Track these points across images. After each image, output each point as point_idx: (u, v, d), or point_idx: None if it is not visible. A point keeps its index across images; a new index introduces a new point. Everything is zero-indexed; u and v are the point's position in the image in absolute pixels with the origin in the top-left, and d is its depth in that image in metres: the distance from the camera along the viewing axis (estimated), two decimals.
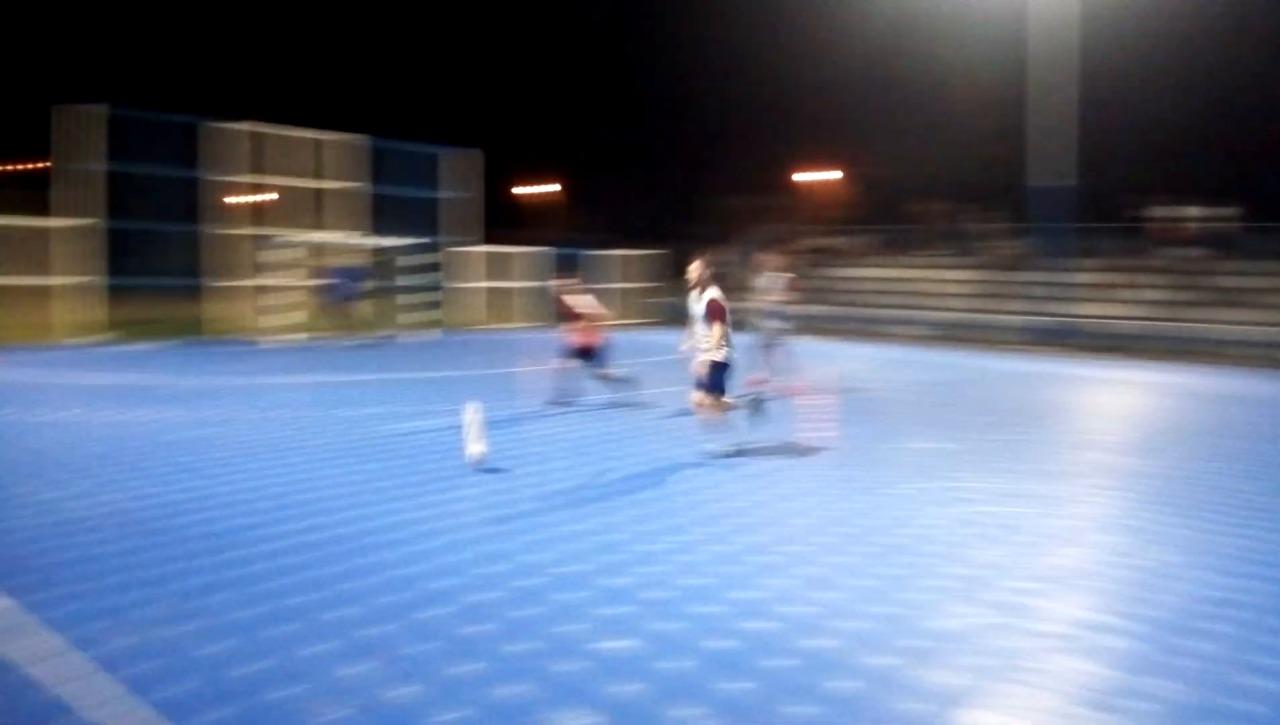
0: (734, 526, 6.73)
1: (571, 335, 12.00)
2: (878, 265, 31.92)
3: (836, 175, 44.05)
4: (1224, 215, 26.98)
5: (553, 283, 14.39)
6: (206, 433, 9.80)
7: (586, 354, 12.11)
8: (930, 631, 4.88)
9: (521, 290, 28.31)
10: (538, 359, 19.60)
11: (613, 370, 12.49)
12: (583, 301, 12.43)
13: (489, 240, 28.16)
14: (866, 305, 29.33)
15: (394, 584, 5.36)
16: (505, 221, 40.74)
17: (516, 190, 53.78)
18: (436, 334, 22.18)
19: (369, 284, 21.36)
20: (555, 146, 51.23)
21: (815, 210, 39.91)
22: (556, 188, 54.41)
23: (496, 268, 27.65)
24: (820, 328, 28.40)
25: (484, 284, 27.23)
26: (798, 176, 44.47)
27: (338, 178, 23.64)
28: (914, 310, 28.24)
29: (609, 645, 4.57)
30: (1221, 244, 26.08)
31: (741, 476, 8.37)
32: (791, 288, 14.94)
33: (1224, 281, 24.64)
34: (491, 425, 10.61)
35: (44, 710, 3.79)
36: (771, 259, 15.04)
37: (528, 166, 51.67)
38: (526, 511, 6.99)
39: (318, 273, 21.39)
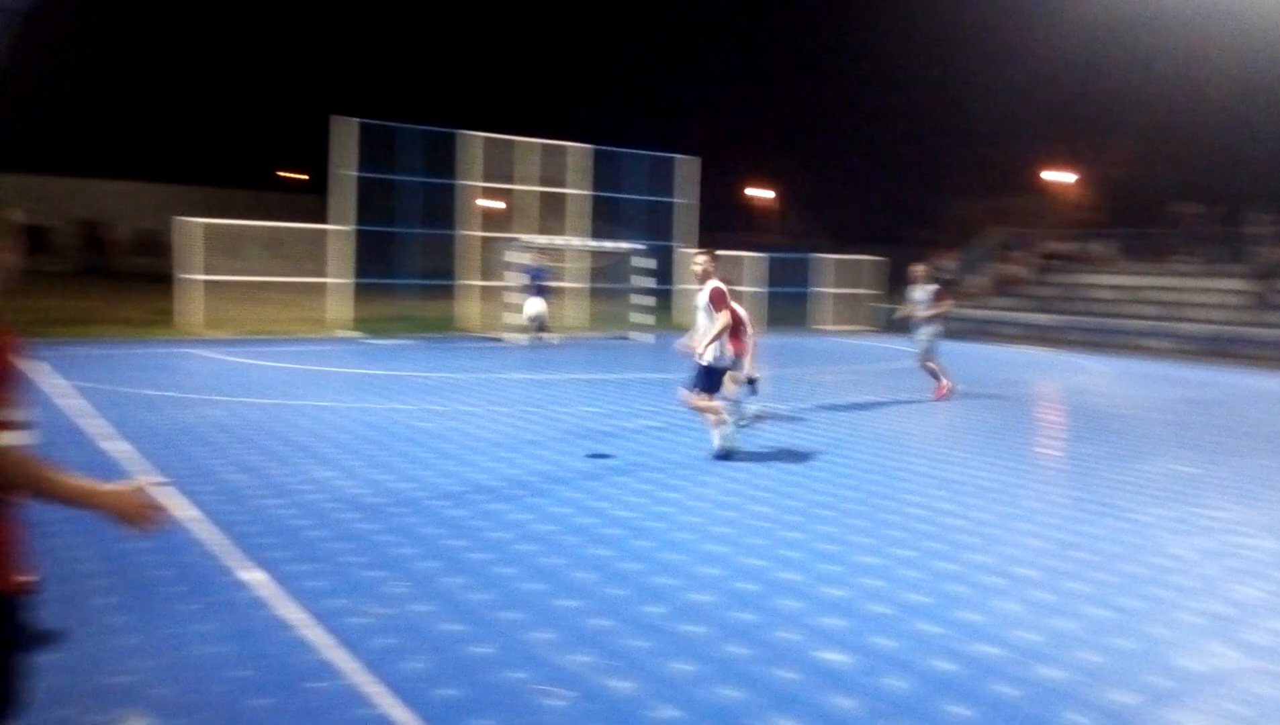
0: (957, 544, 6.49)
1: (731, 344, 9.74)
2: (1123, 272, 29.74)
3: (1075, 177, 41.40)
4: None
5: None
6: (446, 424, 10.45)
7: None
8: (1175, 670, 4.52)
9: (745, 295, 28.34)
10: (762, 364, 19.60)
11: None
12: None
13: (715, 244, 28.40)
14: (1110, 315, 27.36)
15: (616, 578, 5.53)
16: (737, 225, 41.12)
17: (746, 194, 53.96)
18: (650, 338, 22.61)
19: (552, 284, 21.93)
20: (783, 150, 51.09)
21: (1055, 213, 37.73)
22: (777, 193, 54.21)
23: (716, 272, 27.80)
24: (1056, 338, 26.79)
25: (698, 287, 27.46)
26: (1043, 176, 42.07)
27: (567, 184, 24.60)
28: (1164, 321, 26.06)
29: (824, 656, 4.52)
30: None
31: (966, 493, 8.05)
32: (940, 299, 14.50)
33: None
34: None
35: (307, 672, 4.18)
36: (922, 270, 14.66)
37: (758, 170, 51.79)
38: (749, 516, 7.01)
39: (520, 271, 22.23)
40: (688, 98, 52.05)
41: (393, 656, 4.35)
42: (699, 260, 9.49)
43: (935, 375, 14.33)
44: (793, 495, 7.72)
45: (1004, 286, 31.41)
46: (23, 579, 2.54)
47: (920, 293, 14.42)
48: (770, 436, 10.43)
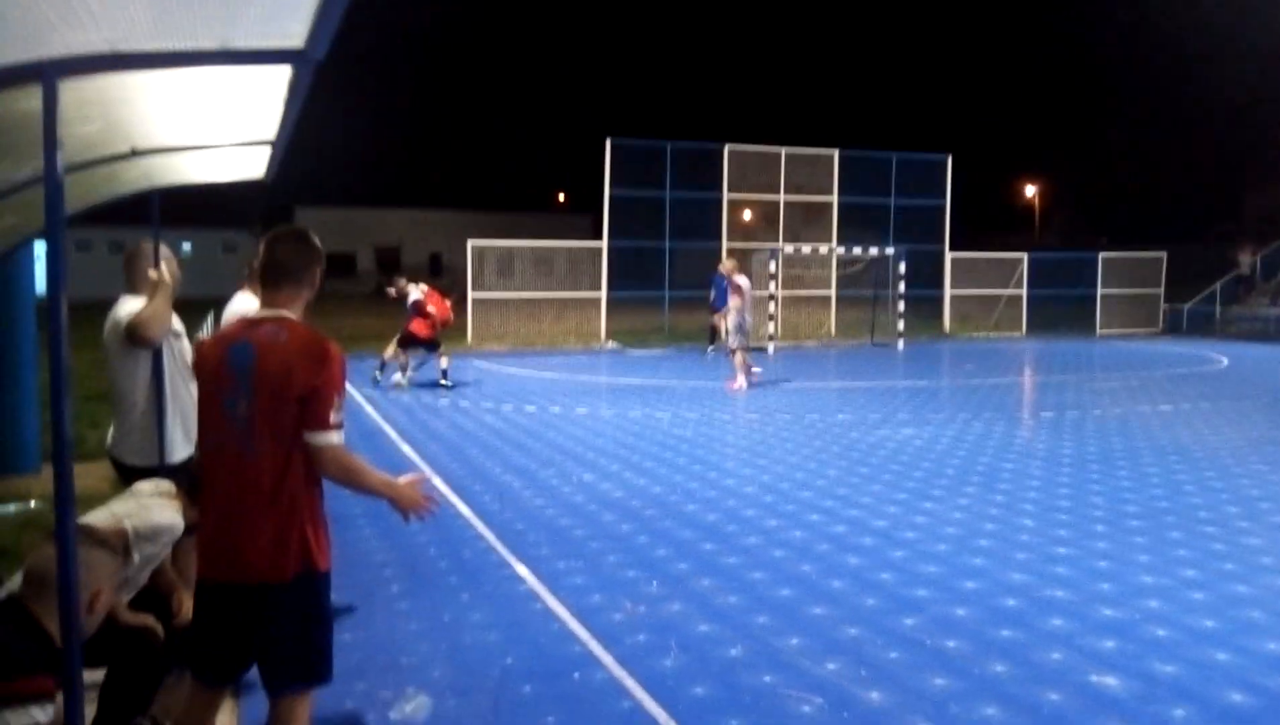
0: (1255, 567, 5.86)
1: None
2: None
3: None
4: None
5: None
6: (701, 431, 10.67)
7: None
8: None
9: (1001, 298, 26.90)
10: (1016, 369, 18.55)
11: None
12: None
13: (976, 246, 27.25)
14: None
15: (868, 587, 5.44)
16: (999, 225, 39.14)
17: (1008, 191, 51.29)
18: (899, 343, 21.93)
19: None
20: (1053, 144, 48.05)
21: None
22: (1042, 191, 50.98)
23: (969, 274, 26.54)
24: None
25: (954, 291, 26.27)
26: None
27: (815, 190, 24.40)
28: None
29: (1096, 680, 4.24)
30: None
31: (1263, 511, 7.24)
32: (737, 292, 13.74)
33: None
34: (968, 435, 10.29)
35: (570, 663, 4.43)
36: (731, 264, 14.40)
37: (1022, 169, 49.05)
38: (1013, 529, 6.69)
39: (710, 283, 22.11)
40: (952, 93, 49.88)
41: (647, 653, 4.52)
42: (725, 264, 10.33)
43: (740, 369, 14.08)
44: (1062, 508, 7.26)
45: None
46: (329, 562, 2.90)
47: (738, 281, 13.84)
48: (1044, 445, 9.84)
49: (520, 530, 6.63)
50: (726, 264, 14.49)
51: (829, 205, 24.46)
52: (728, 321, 14.26)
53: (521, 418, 11.57)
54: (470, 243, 21.78)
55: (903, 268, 22.71)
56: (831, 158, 24.45)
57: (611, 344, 21.75)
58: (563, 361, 18.58)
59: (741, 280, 13.85)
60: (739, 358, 14.07)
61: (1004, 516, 7.02)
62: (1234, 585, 5.50)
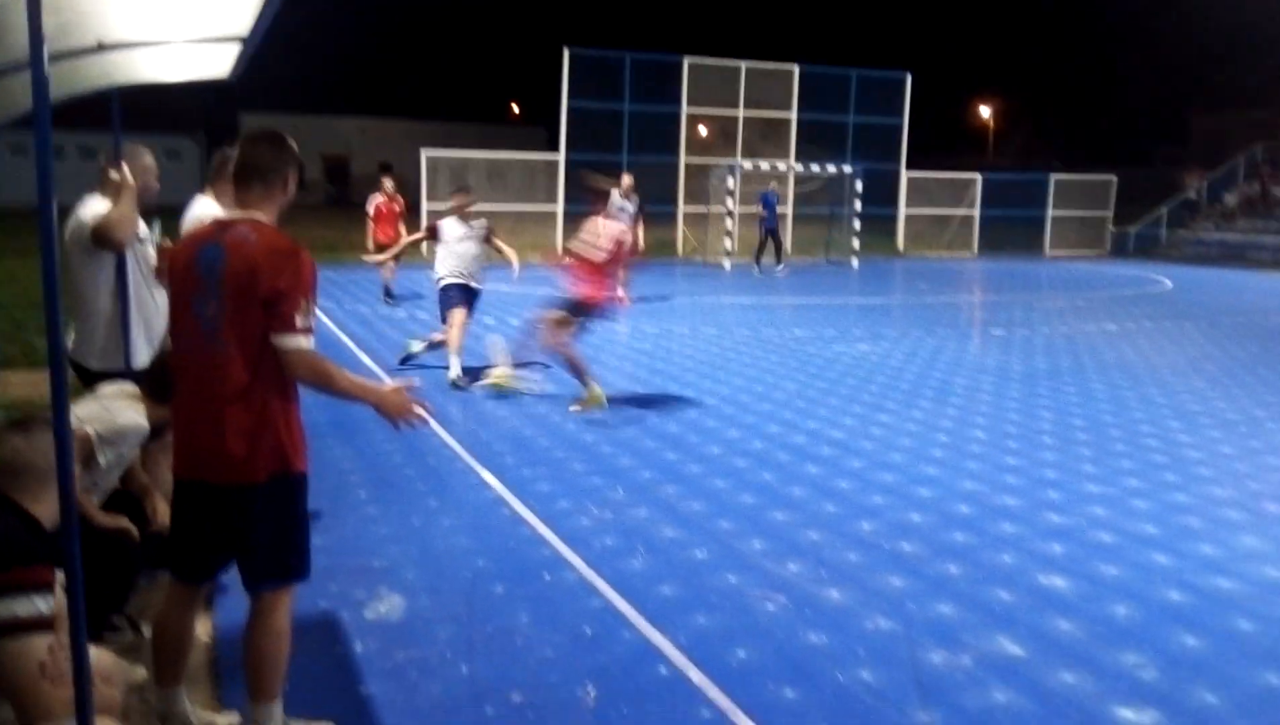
0: (1193, 476, 6.14)
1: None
2: None
3: None
4: None
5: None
6: (662, 345, 10.75)
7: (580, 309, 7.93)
8: None
9: (961, 217, 27.14)
10: (968, 288, 18.84)
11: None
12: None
13: (927, 165, 27.30)
14: None
15: (826, 495, 5.61)
16: (952, 146, 39.25)
17: (962, 112, 51.27)
18: (854, 262, 22.10)
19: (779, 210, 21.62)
20: (1006, 67, 47.94)
21: None
22: (995, 112, 51.04)
23: (927, 194, 26.71)
24: None
25: (909, 211, 26.45)
26: None
27: (775, 106, 24.18)
28: None
29: (1047, 581, 4.45)
30: None
31: (1204, 425, 7.54)
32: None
33: None
34: (920, 351, 10.50)
35: (539, 564, 4.53)
36: (628, 183, 13.71)
37: (976, 89, 48.96)
38: (966, 440, 6.89)
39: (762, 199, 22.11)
40: (907, 12, 49.33)
41: (615, 556, 4.64)
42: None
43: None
44: (1012, 421, 7.50)
45: (1259, 207, 28.49)
46: (305, 463, 2.93)
47: (620, 203, 13.00)
48: (995, 361, 10.09)
49: (485, 440, 6.69)
50: (624, 183, 13.77)
51: (787, 122, 24.28)
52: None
53: (480, 330, 11.54)
54: (423, 152, 21.35)
55: (859, 186, 22.76)
56: (791, 73, 24.19)
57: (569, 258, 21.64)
58: (525, 276, 18.43)
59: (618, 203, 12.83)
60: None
61: (956, 428, 7.23)
62: (1174, 494, 5.76)
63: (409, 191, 16.60)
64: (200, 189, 5.02)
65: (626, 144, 22.63)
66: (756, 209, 20.32)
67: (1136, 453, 6.68)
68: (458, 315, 8.51)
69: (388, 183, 14.09)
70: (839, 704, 3.37)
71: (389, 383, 3.15)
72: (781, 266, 20.16)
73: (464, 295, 8.64)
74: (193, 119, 42.57)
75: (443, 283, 8.66)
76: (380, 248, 13.03)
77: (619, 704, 3.33)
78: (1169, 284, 19.96)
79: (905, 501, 5.52)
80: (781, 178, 23.25)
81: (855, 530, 5.06)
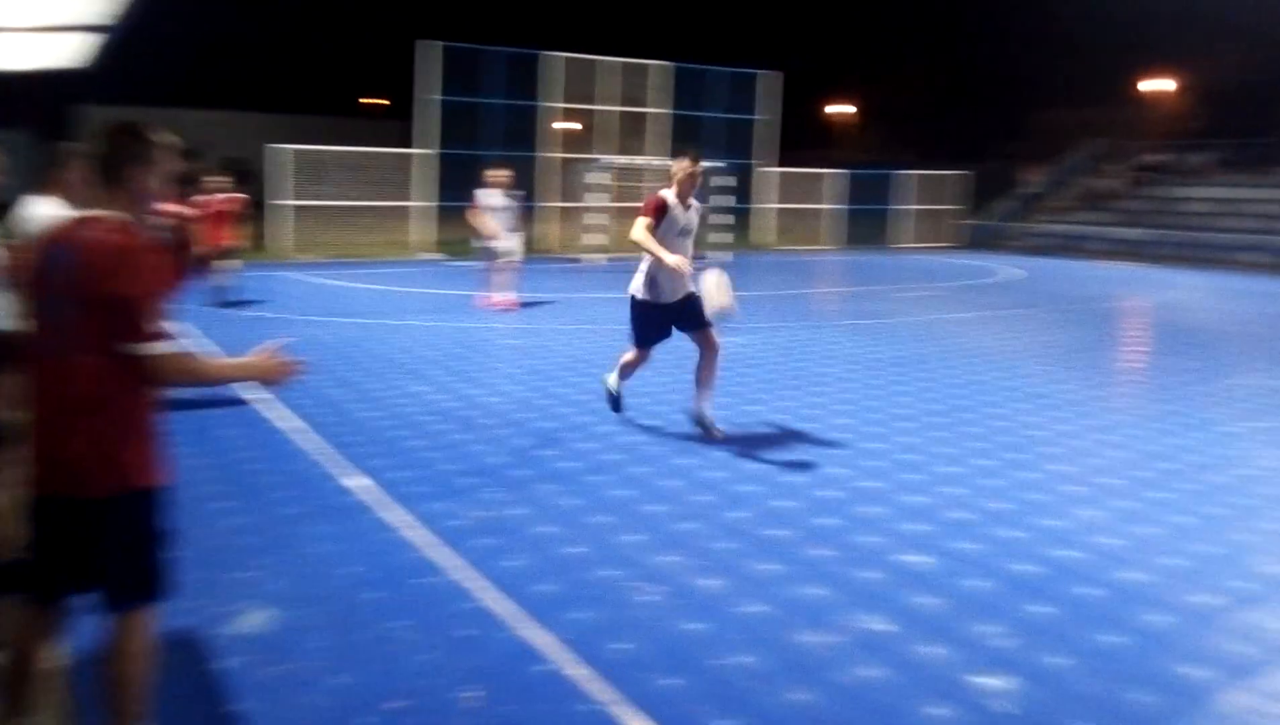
0: (1040, 454, 6.52)
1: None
2: (1220, 184, 28.48)
3: (1174, 85, 39.38)
4: None
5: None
6: (530, 342, 10.70)
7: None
8: (1261, 575, 4.55)
9: (823, 212, 27.98)
10: (837, 281, 19.46)
11: None
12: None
13: (792, 162, 28.00)
14: (1203, 229, 26.33)
15: (700, 486, 5.71)
16: (811, 143, 40.34)
17: (824, 110, 52.68)
18: (728, 256, 22.48)
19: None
20: (860, 64, 49.51)
21: (1151, 123, 36.12)
22: (855, 108, 52.77)
23: (793, 189, 27.48)
24: (1147, 253, 25.94)
25: (778, 206, 27.16)
26: (1138, 86, 40.10)
27: (646, 102, 24.37)
28: (1263, 235, 25.02)
29: (909, 559, 4.65)
30: None
31: (1050, 406, 8.02)
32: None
33: None
34: (793, 343, 10.80)
35: (412, 568, 4.46)
36: (505, 176, 13.07)
37: (833, 85, 50.35)
38: (830, 428, 7.12)
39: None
40: (769, 11, 50.14)
41: (492, 555, 4.61)
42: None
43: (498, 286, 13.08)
44: (875, 408, 7.79)
45: (1094, 200, 30.39)
46: (166, 477, 2.81)
47: (494, 199, 12.84)
48: (850, 351, 10.45)
49: (352, 442, 6.53)
50: (501, 178, 12.88)
51: (655, 117, 24.51)
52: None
53: (347, 330, 11.25)
54: (267, 147, 20.63)
55: (731, 181, 23.20)
56: (658, 69, 24.42)
57: (432, 255, 21.27)
58: (386, 273, 18.08)
59: (485, 195, 12.76)
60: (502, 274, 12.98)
61: (822, 416, 7.47)
62: (1022, 472, 6.11)
63: (251, 187, 16.00)
64: (35, 186, 4.73)
65: (489, 138, 22.36)
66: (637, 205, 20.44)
67: (988, 434, 7.05)
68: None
69: (211, 180, 12.98)
70: (717, 688, 3.45)
71: (258, 348, 3.03)
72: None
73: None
74: (23, 112, 39.93)
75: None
76: (214, 252, 12.03)
77: (499, 704, 3.32)
78: (1018, 273, 21.08)
79: (774, 489, 5.68)
80: (656, 174, 23.45)
81: (728, 519, 5.17)
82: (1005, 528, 5.11)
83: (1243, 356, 11.00)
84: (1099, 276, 21.13)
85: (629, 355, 7.09)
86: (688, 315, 6.79)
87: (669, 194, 6.68)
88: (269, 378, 2.96)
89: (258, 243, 21.04)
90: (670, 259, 6.41)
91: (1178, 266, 23.77)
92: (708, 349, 6.79)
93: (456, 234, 22.58)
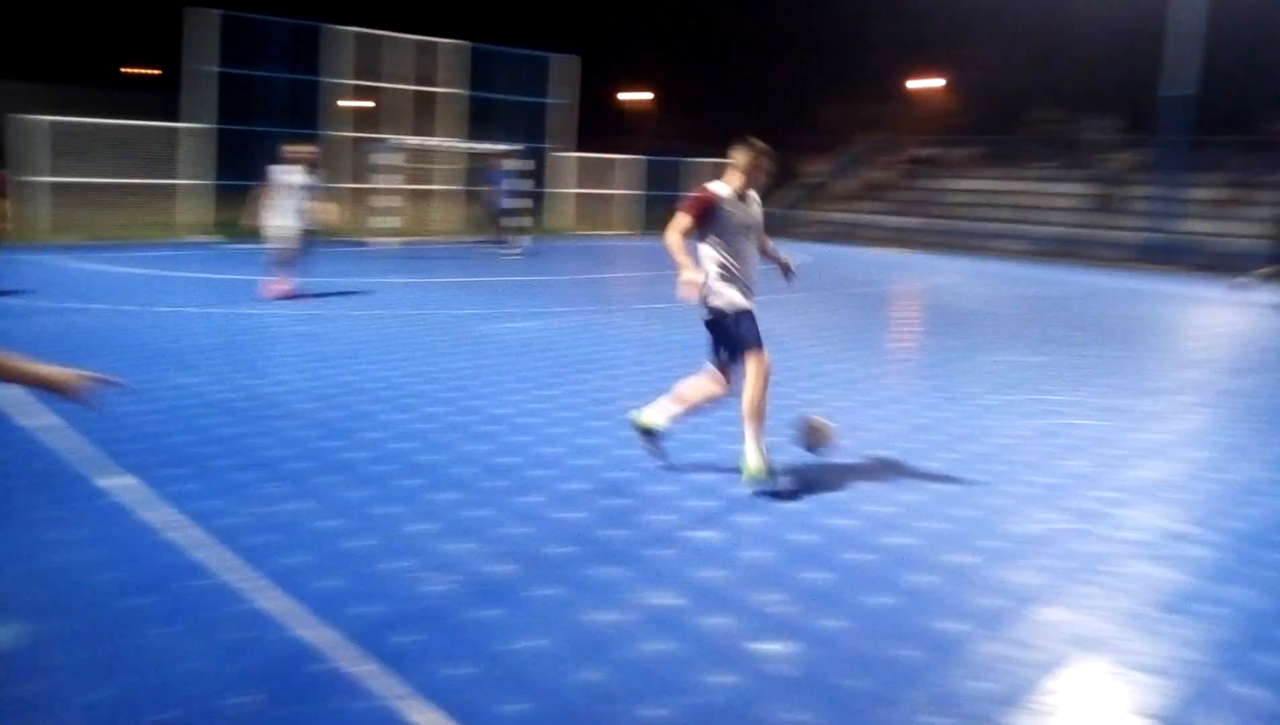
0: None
1: None
2: (979, 176, 30.91)
3: (941, 83, 42.40)
4: None
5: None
6: (313, 329, 10.26)
7: None
8: (1011, 534, 4.97)
9: (620, 197, 28.32)
10: (633, 265, 19.76)
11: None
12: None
13: (589, 147, 28.16)
14: (966, 218, 28.53)
15: (493, 472, 5.65)
16: (608, 128, 40.66)
17: (620, 96, 53.20)
18: (526, 240, 22.41)
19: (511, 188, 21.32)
20: (655, 52, 50.32)
21: (921, 119, 38.65)
22: (652, 96, 53.68)
23: (590, 174, 27.68)
24: (917, 240, 27.80)
25: (575, 191, 27.29)
26: (908, 84, 42.88)
27: (439, 82, 23.82)
28: (1019, 224, 27.38)
29: (697, 535, 4.78)
30: None
31: (829, 385, 8.45)
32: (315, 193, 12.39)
33: None
34: (587, 327, 10.88)
35: (181, 570, 4.18)
36: (308, 151, 12.47)
37: (630, 73, 50.95)
38: (619, 410, 7.20)
39: (484, 178, 21.59)
40: None
41: (270, 552, 4.38)
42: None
43: (282, 272, 12.24)
44: (666, 390, 7.94)
45: (871, 191, 32.27)
46: None
47: (293, 177, 12.06)
48: (644, 334, 10.64)
49: (112, 439, 6.03)
50: (303, 154, 12.13)
51: (449, 97, 24.02)
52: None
53: (112, 318, 10.41)
54: (15, 118, 18.81)
55: (530, 165, 23.04)
56: (452, 48, 23.93)
57: (207, 237, 20.01)
58: (154, 256, 16.85)
59: (283, 173, 11.96)
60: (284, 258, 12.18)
61: (616, 398, 7.56)
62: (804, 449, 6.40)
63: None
64: None
65: (270, 114, 21.17)
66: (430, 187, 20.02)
67: (771, 412, 7.28)
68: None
69: None
70: (509, 673, 3.42)
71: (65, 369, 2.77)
72: (508, 246, 19.90)
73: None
74: None
75: (742, 306, 5.77)
76: None
77: (277, 706, 3.16)
78: (803, 258, 22.05)
79: (567, 472, 5.70)
80: (452, 156, 23.01)
81: (523, 504, 5.14)
82: (787, 500, 5.34)
83: (998, 335, 12.00)
84: (876, 262, 22.49)
85: (710, 381, 5.87)
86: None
87: (721, 187, 5.75)
88: (70, 391, 2.69)
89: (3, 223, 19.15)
90: (687, 273, 5.48)
91: (944, 252, 25.64)
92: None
93: (234, 215, 21.40)
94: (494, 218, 20.29)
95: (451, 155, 24.38)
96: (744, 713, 3.25)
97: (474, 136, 23.91)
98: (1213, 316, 15.46)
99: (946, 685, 3.47)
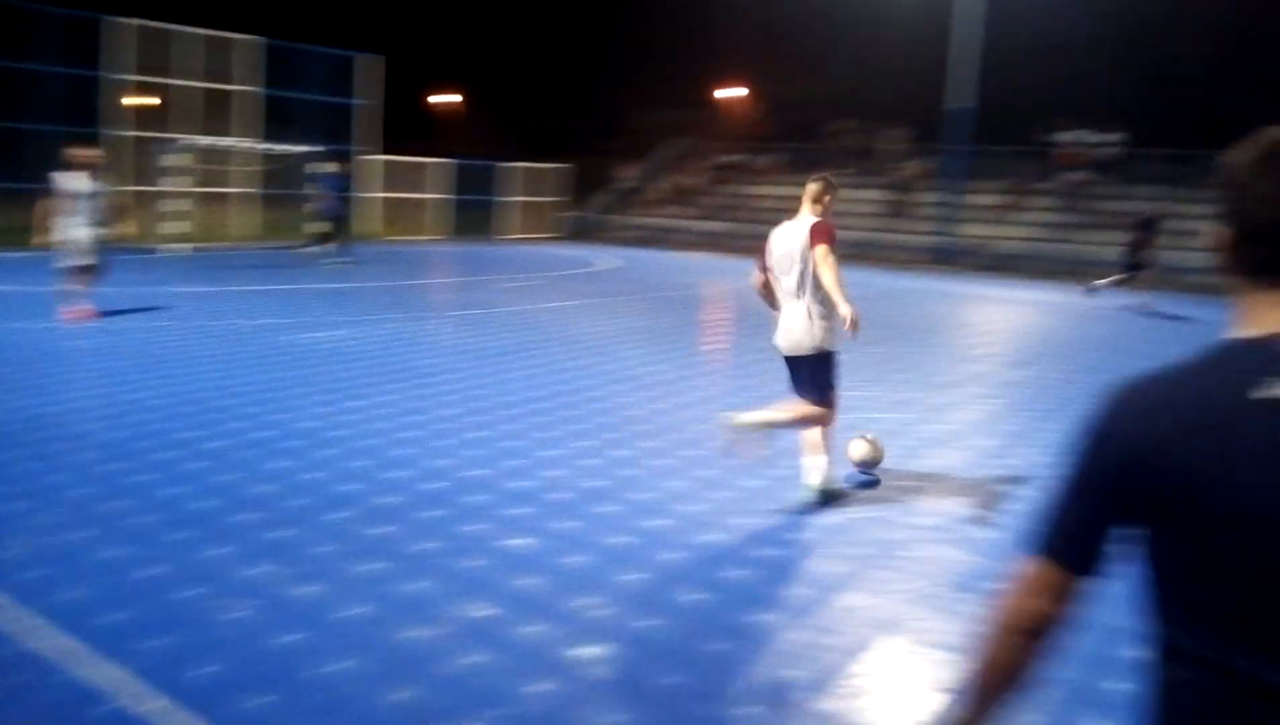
0: (635, 433, 6.94)
1: None
2: (783, 183, 32.18)
3: (745, 92, 43.94)
4: (1111, 140, 27.91)
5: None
6: (99, 343, 9.51)
7: None
8: (815, 525, 5.18)
9: (431, 202, 27.75)
10: (446, 271, 19.40)
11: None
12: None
13: (397, 150, 27.44)
14: (770, 222, 29.53)
15: (297, 489, 5.40)
16: (415, 132, 39.79)
17: (429, 99, 52.20)
18: (330, 247, 21.58)
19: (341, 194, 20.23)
20: (464, 55, 49.70)
21: (727, 127, 39.89)
22: (462, 99, 53.00)
23: (399, 178, 26.99)
24: (724, 245, 28.66)
25: (383, 195, 26.55)
26: (715, 93, 44.18)
27: (233, 80, 22.61)
28: None
29: (511, 543, 4.73)
30: (1108, 169, 27.07)
31: (643, 387, 8.57)
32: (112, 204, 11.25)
33: (1108, 205, 25.64)
34: (398, 335, 10.58)
35: None
36: (92, 155, 10.90)
37: (439, 75, 50.08)
38: (435, 419, 7.05)
39: (315, 183, 20.40)
40: None
41: (46, 588, 4.02)
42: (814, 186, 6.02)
43: (79, 292, 10.68)
44: (479, 397, 7.85)
45: (680, 196, 33.03)
46: None
47: (78, 183, 10.51)
48: (460, 341, 10.46)
49: None
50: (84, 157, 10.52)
51: (243, 96, 22.85)
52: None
53: None
54: None
55: (328, 167, 22.15)
56: (246, 44, 22.77)
57: None
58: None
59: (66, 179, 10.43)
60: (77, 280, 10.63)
61: (428, 407, 7.39)
62: (618, 451, 6.46)
63: None
64: None
65: (38, 112, 19.48)
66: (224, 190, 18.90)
67: (588, 416, 7.38)
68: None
69: None
70: (315, 699, 3.27)
71: None
72: (335, 254, 18.65)
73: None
74: None
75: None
76: None
77: None
78: (616, 263, 22.34)
79: (379, 486, 5.52)
80: (248, 158, 21.86)
81: (329, 521, 4.94)
82: (602, 504, 5.36)
83: None
84: (686, 265, 23.01)
85: (822, 421, 5.57)
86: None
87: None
88: None
89: None
90: (845, 308, 5.28)
91: (749, 256, 26.49)
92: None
93: (5, 220, 19.58)
94: (328, 225, 19.37)
95: (248, 157, 23.17)
96: (562, 719, 3.24)
97: (272, 137, 22.84)
98: (992, 313, 16.71)
99: (758, 675, 3.58)
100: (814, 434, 5.52)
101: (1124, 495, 1.30)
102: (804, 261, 5.41)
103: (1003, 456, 6.71)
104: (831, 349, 5.53)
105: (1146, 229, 17.62)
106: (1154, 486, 1.27)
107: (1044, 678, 1.41)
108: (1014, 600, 1.40)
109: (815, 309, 5.42)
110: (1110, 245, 23.09)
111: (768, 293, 5.75)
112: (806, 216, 5.70)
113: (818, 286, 5.37)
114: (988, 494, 5.85)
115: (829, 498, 5.50)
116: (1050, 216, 26.09)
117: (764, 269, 5.71)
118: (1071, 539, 1.37)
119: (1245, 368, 1.23)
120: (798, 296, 5.45)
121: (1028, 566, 1.39)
